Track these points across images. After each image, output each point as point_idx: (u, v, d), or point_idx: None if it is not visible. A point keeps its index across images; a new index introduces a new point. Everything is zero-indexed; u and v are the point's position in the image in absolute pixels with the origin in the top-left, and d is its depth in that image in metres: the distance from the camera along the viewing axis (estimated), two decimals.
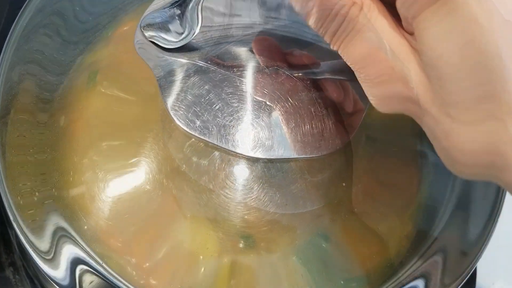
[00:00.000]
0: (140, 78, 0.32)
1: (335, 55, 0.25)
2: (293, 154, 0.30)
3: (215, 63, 0.31)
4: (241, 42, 0.32)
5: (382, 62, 0.22)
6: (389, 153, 0.35)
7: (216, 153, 0.31)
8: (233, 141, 0.29)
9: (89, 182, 0.31)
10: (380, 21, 0.22)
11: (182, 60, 0.31)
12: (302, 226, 0.31)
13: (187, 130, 0.29)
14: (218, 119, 0.30)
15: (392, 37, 0.22)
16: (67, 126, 0.32)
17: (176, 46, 0.31)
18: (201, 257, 0.30)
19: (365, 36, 0.22)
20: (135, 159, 0.31)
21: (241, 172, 0.31)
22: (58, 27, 0.35)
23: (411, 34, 0.22)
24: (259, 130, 0.30)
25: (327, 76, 0.30)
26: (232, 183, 0.30)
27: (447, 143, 0.22)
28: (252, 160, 0.31)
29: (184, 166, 0.30)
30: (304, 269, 0.30)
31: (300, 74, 0.31)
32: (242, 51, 0.31)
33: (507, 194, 0.33)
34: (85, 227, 0.30)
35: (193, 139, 0.30)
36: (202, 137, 0.29)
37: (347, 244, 0.31)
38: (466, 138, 0.21)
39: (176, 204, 0.30)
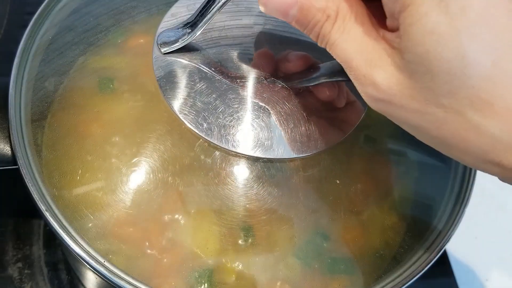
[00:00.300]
0: (150, 83, 0.33)
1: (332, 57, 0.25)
2: (292, 154, 0.30)
3: (219, 71, 0.31)
4: (241, 45, 0.32)
5: (354, 69, 0.24)
6: (384, 152, 0.35)
7: (217, 153, 0.31)
8: (233, 141, 0.30)
9: (96, 180, 0.31)
10: (354, 31, 0.24)
11: (183, 60, 0.32)
12: (299, 221, 0.32)
13: (197, 132, 0.30)
14: (219, 120, 0.30)
15: (365, 45, 0.23)
16: (72, 126, 0.33)
17: (177, 48, 0.31)
18: (204, 253, 0.30)
19: (339, 48, 0.24)
20: (142, 158, 0.31)
21: (241, 172, 0.31)
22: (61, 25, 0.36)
23: (396, 30, 0.23)
24: (258, 131, 0.30)
25: (323, 80, 0.31)
26: (233, 181, 0.31)
27: (439, 132, 0.22)
28: (253, 160, 0.31)
29: (195, 163, 0.31)
30: (302, 264, 0.31)
31: (294, 83, 0.31)
32: (243, 60, 0.32)
33: None
34: (90, 224, 0.30)
35: (201, 140, 0.31)
36: (206, 138, 0.30)
37: (340, 236, 0.32)
38: (462, 125, 0.22)
39: (181, 201, 0.31)
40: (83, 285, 0.43)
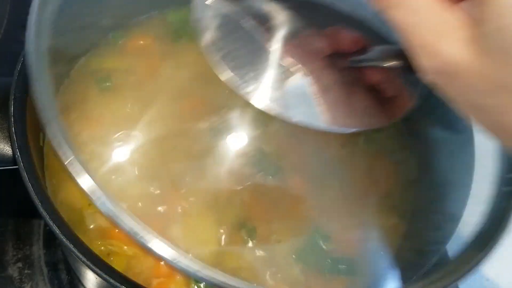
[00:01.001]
0: (149, 83, 0.34)
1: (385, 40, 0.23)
2: (316, 123, 0.27)
3: (261, 24, 0.28)
4: (291, 2, 0.29)
5: (416, 36, 0.21)
6: (385, 153, 0.35)
7: (218, 148, 0.31)
8: (260, 98, 0.27)
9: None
10: None
11: (224, 9, 0.29)
12: (299, 221, 0.32)
13: (228, 81, 0.27)
14: (251, 73, 0.27)
15: (436, 12, 0.21)
16: (72, 126, 0.33)
17: None
18: (204, 253, 0.31)
19: (401, 13, 0.21)
20: (142, 155, 0.32)
21: (242, 172, 0.31)
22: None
23: None
24: (292, 90, 0.27)
25: (373, 63, 0.28)
26: (233, 181, 0.31)
27: (503, 118, 0.20)
28: (257, 158, 0.31)
29: (195, 160, 0.31)
30: (301, 264, 0.31)
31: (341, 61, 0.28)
32: (288, 15, 0.29)
33: None
34: (90, 225, 0.30)
35: (200, 125, 0.30)
36: (235, 89, 0.27)
37: (340, 237, 0.32)
38: None
39: (181, 200, 0.31)
40: (83, 285, 0.43)
